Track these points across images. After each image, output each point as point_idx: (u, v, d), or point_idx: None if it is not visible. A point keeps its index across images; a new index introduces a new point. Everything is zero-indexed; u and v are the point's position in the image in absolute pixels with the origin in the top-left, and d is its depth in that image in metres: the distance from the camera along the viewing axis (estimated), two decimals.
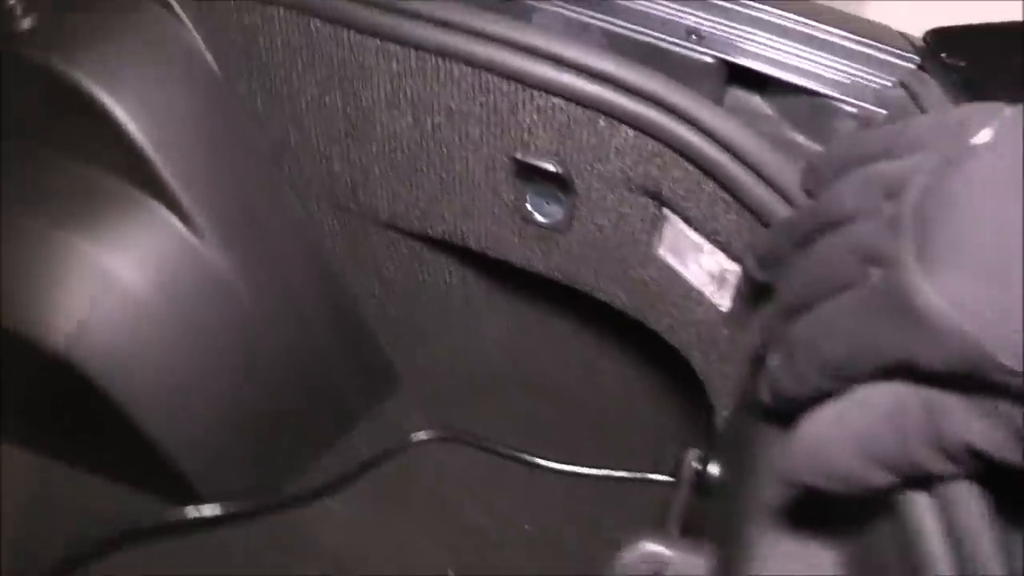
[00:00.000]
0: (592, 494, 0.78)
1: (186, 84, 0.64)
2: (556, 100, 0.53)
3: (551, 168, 0.55)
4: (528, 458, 0.80)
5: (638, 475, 0.78)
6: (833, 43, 0.51)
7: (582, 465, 0.79)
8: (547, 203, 0.60)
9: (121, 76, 0.60)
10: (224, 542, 0.74)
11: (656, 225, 0.56)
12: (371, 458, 0.79)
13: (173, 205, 0.64)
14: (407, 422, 0.82)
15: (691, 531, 0.50)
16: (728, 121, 0.48)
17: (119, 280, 0.63)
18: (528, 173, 0.58)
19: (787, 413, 0.35)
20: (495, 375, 0.85)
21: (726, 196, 0.49)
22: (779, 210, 0.45)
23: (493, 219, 0.63)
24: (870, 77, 0.50)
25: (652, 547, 0.42)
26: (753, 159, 0.46)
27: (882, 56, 0.50)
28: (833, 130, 0.51)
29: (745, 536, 0.39)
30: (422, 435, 0.81)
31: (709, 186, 0.50)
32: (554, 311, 0.81)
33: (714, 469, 0.49)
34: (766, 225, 0.46)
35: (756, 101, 0.55)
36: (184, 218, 0.64)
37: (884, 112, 0.49)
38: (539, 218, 0.61)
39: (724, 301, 0.54)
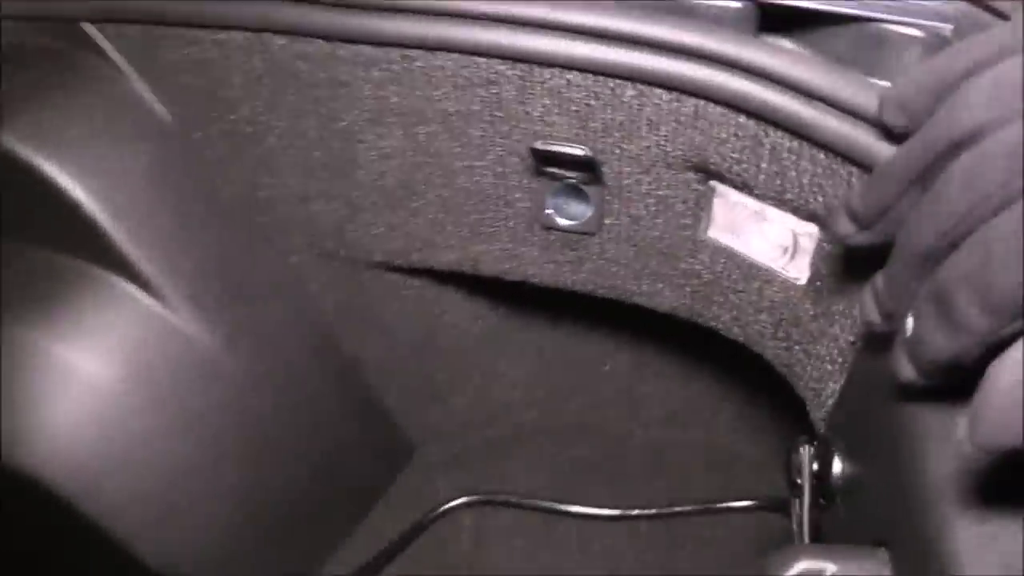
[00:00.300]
0: (657, 535, 0.69)
1: (135, 140, 0.58)
2: (571, 76, 0.46)
3: (577, 152, 0.48)
4: (575, 509, 0.70)
5: (703, 507, 0.69)
6: None
7: (636, 507, 0.70)
8: (569, 204, 0.53)
9: (60, 139, 0.56)
10: None
11: (702, 203, 0.49)
12: (399, 536, 0.70)
13: (136, 278, 0.58)
14: (432, 490, 0.72)
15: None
16: (784, 56, 0.42)
17: (83, 373, 0.57)
18: (544, 171, 0.51)
19: (937, 384, 0.30)
20: (521, 422, 0.77)
21: (793, 144, 0.42)
22: (874, 145, 0.38)
23: (509, 234, 0.56)
24: None
25: (812, 564, 0.33)
26: (826, 92, 0.40)
27: None
28: (890, 59, 0.44)
29: (925, 529, 0.31)
30: (451, 502, 0.72)
31: (771, 136, 0.43)
32: (578, 333, 0.73)
33: (838, 467, 0.41)
34: (860, 167, 0.39)
35: (788, 45, 0.48)
36: (150, 291, 0.58)
37: (951, 28, 0.43)
38: (563, 222, 0.53)
39: (801, 273, 0.47)
